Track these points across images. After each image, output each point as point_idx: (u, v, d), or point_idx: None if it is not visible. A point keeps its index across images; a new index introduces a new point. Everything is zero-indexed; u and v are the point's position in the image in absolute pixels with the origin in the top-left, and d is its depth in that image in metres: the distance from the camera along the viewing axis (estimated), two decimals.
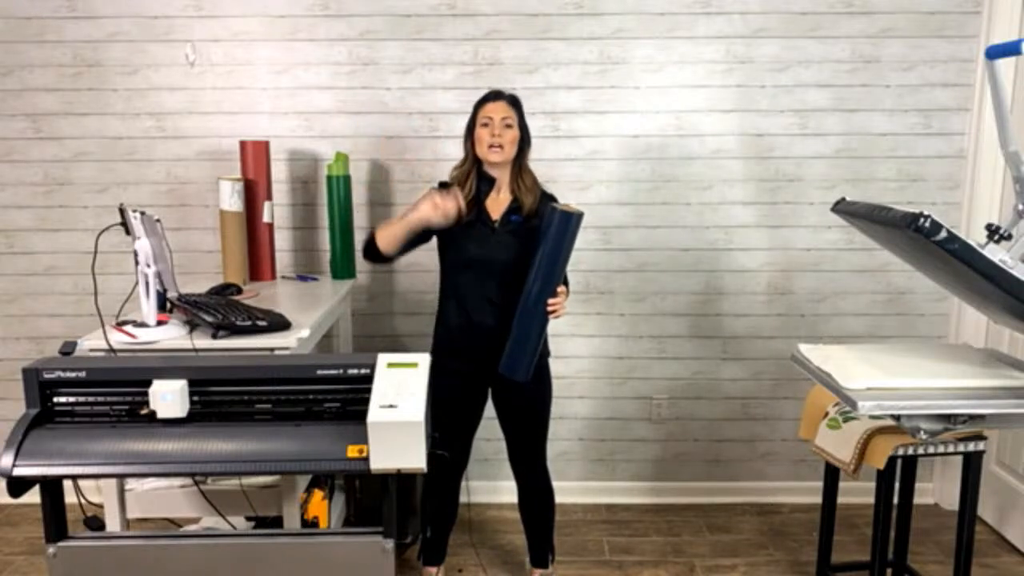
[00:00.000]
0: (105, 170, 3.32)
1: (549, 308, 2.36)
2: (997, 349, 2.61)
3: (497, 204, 2.50)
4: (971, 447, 2.33)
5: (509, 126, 2.44)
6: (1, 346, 3.45)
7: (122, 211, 2.30)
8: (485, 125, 2.43)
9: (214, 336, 2.24)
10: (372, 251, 2.46)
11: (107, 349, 2.19)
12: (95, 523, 2.04)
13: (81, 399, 1.84)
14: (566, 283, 2.55)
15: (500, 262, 2.44)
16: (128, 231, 2.29)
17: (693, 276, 3.39)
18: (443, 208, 2.29)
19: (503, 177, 2.50)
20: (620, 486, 3.53)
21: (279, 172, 3.31)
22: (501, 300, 2.45)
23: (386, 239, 2.40)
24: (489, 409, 2.64)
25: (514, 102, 2.49)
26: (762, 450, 3.52)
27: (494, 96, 2.48)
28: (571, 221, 2.32)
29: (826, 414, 2.55)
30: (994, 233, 1.86)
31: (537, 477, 2.67)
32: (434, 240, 2.52)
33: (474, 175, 2.50)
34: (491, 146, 2.42)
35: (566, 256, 2.36)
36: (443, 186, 2.53)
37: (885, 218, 1.84)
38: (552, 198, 2.55)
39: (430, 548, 2.75)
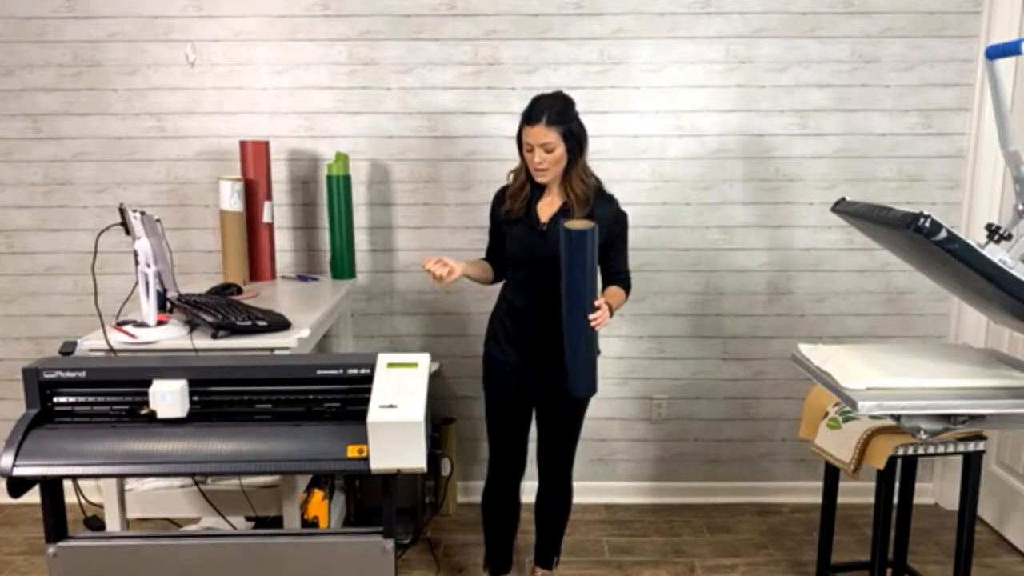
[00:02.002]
0: (105, 170, 3.32)
1: (592, 323, 2.29)
2: (997, 349, 2.61)
3: (548, 206, 2.48)
4: (971, 447, 2.33)
5: (551, 150, 2.36)
6: (1, 346, 3.45)
7: (122, 211, 2.30)
8: (530, 150, 2.38)
9: (214, 336, 2.24)
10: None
11: (107, 349, 2.19)
12: (95, 523, 2.04)
13: (81, 399, 1.83)
14: (627, 286, 2.53)
15: (547, 262, 2.39)
16: (128, 231, 2.29)
17: (693, 276, 3.40)
18: (446, 280, 2.37)
19: (553, 184, 2.47)
20: (620, 486, 3.53)
21: (279, 172, 3.31)
22: (548, 297, 2.43)
23: (478, 282, 2.60)
24: None
25: (554, 119, 2.34)
26: (762, 450, 3.52)
27: (536, 118, 2.34)
28: (577, 237, 2.23)
29: (826, 414, 2.55)
30: (994, 233, 1.86)
31: (561, 479, 2.66)
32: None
33: (528, 181, 2.48)
34: (535, 170, 2.40)
35: (590, 270, 2.28)
36: (500, 192, 2.56)
37: (885, 218, 1.84)
38: (610, 198, 2.49)
39: (494, 558, 2.73)
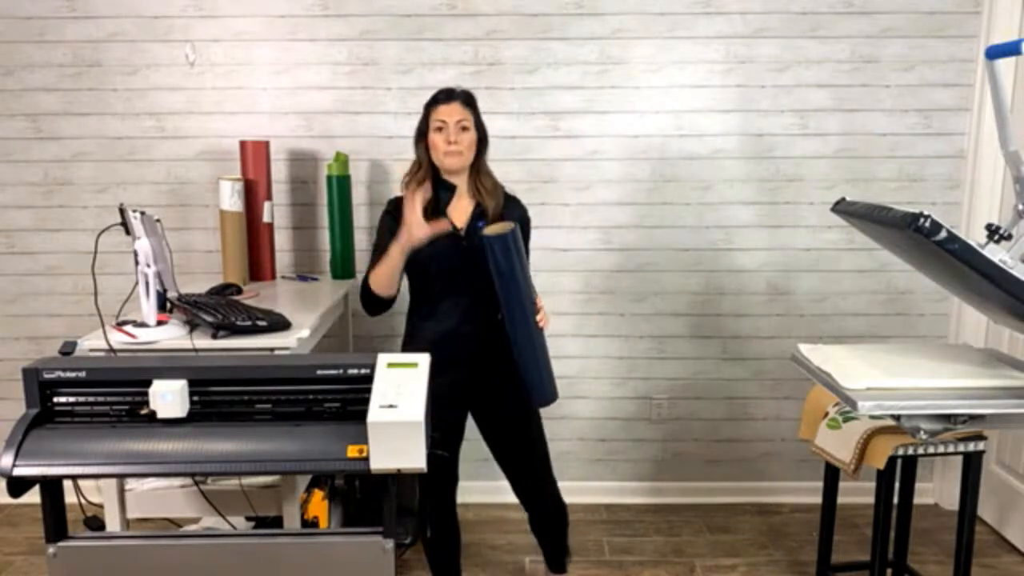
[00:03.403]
0: (105, 170, 3.33)
1: (539, 323, 2.23)
2: (997, 349, 2.61)
3: (460, 211, 2.34)
4: (971, 447, 2.33)
5: (465, 129, 2.28)
6: (1, 346, 3.45)
7: (122, 211, 2.30)
8: (439, 129, 2.27)
9: (214, 336, 2.24)
10: (371, 300, 2.34)
11: (107, 349, 2.19)
12: (95, 523, 2.04)
13: (81, 399, 1.83)
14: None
15: (471, 271, 2.28)
16: (128, 231, 2.29)
17: (693, 276, 3.40)
18: (428, 233, 2.19)
19: (462, 183, 2.35)
20: (620, 486, 3.53)
21: (279, 172, 3.31)
22: (475, 309, 2.33)
23: (388, 278, 2.27)
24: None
25: (468, 101, 2.32)
26: (762, 450, 3.52)
27: (446, 96, 2.30)
28: (501, 243, 2.13)
29: (826, 414, 2.55)
30: (994, 233, 1.85)
31: (547, 500, 2.51)
32: None
33: (430, 183, 2.32)
34: (447, 152, 2.27)
35: (520, 274, 2.19)
36: (396, 202, 2.38)
37: (885, 218, 1.84)
38: (516, 200, 2.42)
39: None
